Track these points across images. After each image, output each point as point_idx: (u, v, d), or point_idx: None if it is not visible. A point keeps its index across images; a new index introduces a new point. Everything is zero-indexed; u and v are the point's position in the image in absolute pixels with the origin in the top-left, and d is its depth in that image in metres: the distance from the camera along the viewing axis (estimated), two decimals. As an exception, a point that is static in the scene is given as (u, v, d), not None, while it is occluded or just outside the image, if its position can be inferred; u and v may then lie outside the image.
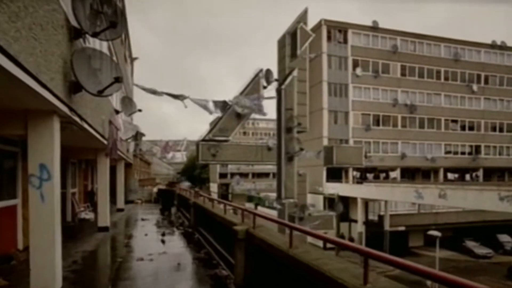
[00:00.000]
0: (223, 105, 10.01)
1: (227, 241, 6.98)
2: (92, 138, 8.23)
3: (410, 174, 44.08)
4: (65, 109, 5.04)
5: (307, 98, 27.79)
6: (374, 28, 40.98)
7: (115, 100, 11.72)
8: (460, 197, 21.57)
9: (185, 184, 21.17)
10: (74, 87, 5.09)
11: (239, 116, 13.18)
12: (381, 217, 35.42)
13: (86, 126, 6.73)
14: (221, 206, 9.62)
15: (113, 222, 14.04)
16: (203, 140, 13.77)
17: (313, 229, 4.72)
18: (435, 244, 37.59)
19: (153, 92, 8.54)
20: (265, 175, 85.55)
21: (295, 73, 14.00)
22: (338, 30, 39.82)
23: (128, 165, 23.38)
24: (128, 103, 11.49)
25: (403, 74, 42.00)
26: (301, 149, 14.09)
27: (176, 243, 10.02)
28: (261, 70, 13.91)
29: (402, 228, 36.30)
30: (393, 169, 42.36)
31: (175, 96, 8.94)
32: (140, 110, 11.56)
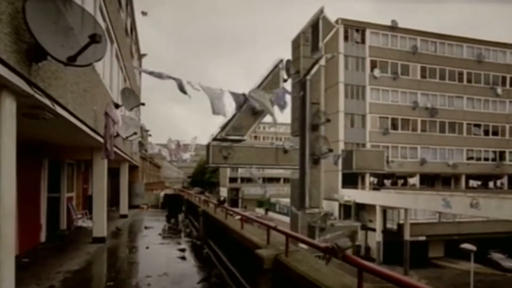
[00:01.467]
0: (240, 99, 8.46)
1: (246, 264, 5.39)
2: (79, 132, 6.73)
3: (430, 180, 41.98)
4: (20, 82, 3.52)
5: (322, 100, 26.27)
6: (393, 27, 39.20)
7: (115, 91, 10.24)
8: (495, 206, 19.58)
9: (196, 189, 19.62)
10: (36, 53, 3.57)
11: (256, 113, 11.59)
12: (400, 226, 33.41)
13: (65, 114, 5.22)
14: (237, 217, 8.04)
15: (112, 231, 12.55)
16: (215, 139, 12.20)
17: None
18: (456, 255, 35.57)
19: (159, 76, 7.07)
20: (276, 180, 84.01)
21: (322, 62, 12.39)
22: (356, 30, 38.15)
23: (133, 168, 22.00)
24: (129, 96, 10.03)
25: (423, 76, 40.08)
26: (330, 150, 12.41)
27: (181, 260, 8.44)
28: (281, 61, 12.33)
29: (423, 238, 34.23)
30: (412, 175, 40.30)
31: (181, 88, 7.42)
32: (143, 104, 10.09)
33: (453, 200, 22.38)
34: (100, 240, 9.97)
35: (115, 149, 11.38)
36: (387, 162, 24.49)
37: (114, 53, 10.29)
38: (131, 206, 21.13)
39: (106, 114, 7.35)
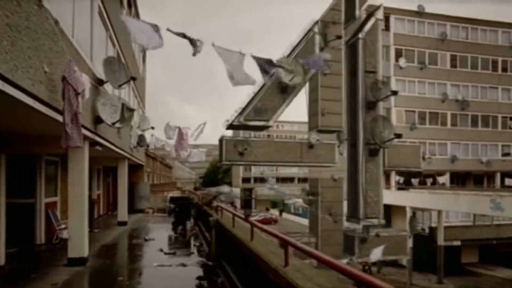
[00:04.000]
0: (266, 67, 5.91)
1: None
2: (22, 109, 4.16)
3: (460, 179, 38.66)
4: None
5: (342, 93, 23.28)
6: (420, 13, 35.99)
7: (97, 59, 7.60)
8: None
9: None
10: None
11: (284, 90, 8.83)
12: (432, 230, 30.30)
13: None
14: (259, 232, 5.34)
15: (102, 245, 10.02)
16: (231, 126, 9.36)
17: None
18: (492, 261, 32.37)
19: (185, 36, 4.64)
20: (290, 179, 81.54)
21: (379, 15, 9.58)
22: (379, 16, 35.03)
23: (136, 167, 19.55)
24: (117, 69, 7.47)
25: (453, 65, 36.77)
26: (397, 136, 9.51)
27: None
28: (316, 23, 9.58)
29: (458, 243, 31.08)
30: (441, 173, 37.01)
31: (192, 42, 4.93)
32: (134, 78, 7.51)
33: (504, 201, 19.25)
34: (79, 262, 7.40)
35: (103, 141, 8.81)
36: (423, 158, 21.43)
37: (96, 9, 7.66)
38: (135, 210, 18.66)
39: (64, 79, 4.74)
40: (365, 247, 11.29)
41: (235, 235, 5.78)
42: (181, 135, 8.56)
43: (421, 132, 35.55)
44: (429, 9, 36.51)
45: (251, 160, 15.19)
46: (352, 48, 10.33)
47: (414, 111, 35.79)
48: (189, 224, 13.93)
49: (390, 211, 33.06)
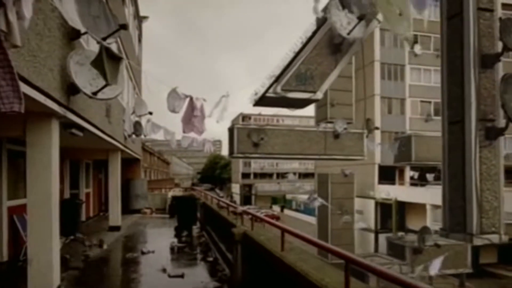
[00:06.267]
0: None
1: None
2: None
3: (476, 174, 36.41)
4: None
5: (352, 83, 20.84)
6: (436, -4, 33.52)
7: None
8: None
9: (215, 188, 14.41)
10: None
11: (338, 49, 6.37)
12: (452, 229, 28.07)
13: None
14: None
15: (86, 262, 7.62)
16: (262, 99, 6.72)
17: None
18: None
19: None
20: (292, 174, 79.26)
21: None
22: (392, -1, 32.56)
23: (133, 161, 17.08)
24: (99, 13, 5.06)
25: (471, 53, 34.33)
26: None
27: None
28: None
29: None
30: (457, 168, 34.74)
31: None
32: (124, 27, 5.08)
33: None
34: (43, 297, 4.99)
35: (83, 123, 6.36)
36: None
37: None
38: (130, 211, 16.24)
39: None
40: (420, 259, 9.00)
41: (290, 266, 3.38)
42: (192, 109, 6.18)
43: (437, 124, 33.18)
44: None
45: (267, 153, 12.77)
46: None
47: (430, 102, 33.44)
48: (196, 229, 11.57)
49: (404, 208, 30.93)
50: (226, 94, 6.59)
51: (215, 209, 9.45)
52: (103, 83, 4.85)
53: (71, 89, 5.04)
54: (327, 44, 6.12)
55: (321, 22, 6.78)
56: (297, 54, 6.09)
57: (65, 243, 9.54)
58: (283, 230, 4.09)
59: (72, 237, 10.19)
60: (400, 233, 9.42)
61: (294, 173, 76.28)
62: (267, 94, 6.29)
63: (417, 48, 32.69)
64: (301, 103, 7.01)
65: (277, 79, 6.29)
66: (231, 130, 12.15)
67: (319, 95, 6.38)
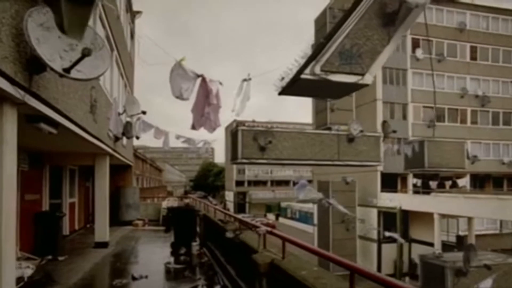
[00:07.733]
0: None
1: None
2: None
3: (479, 181, 35.52)
4: None
5: None
6: (438, 0, 32.79)
7: None
8: None
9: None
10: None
11: (392, 20, 4.94)
12: (460, 239, 26.90)
13: None
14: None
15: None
16: (293, 83, 5.22)
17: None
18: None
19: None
20: (285, 183, 78.38)
21: None
22: (394, 2, 31.70)
23: (123, 168, 15.55)
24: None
25: (473, 58, 33.64)
26: None
27: None
28: None
29: (486, 253, 27.70)
30: (459, 175, 33.73)
31: None
32: None
33: None
34: None
35: (54, 114, 4.88)
36: (468, 157, 17.59)
37: None
38: (121, 223, 14.67)
39: None
40: (462, 283, 7.60)
41: None
42: (207, 94, 4.76)
43: (440, 130, 31.80)
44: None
45: (275, 158, 11.36)
46: None
47: (432, 107, 32.53)
48: (195, 246, 10.05)
49: (408, 217, 29.73)
50: (247, 76, 5.20)
51: (221, 226, 7.97)
52: (79, 55, 3.43)
53: (34, 65, 3.60)
54: (378, 13, 4.81)
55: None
56: (340, 25, 4.73)
57: (40, 264, 7.99)
58: (353, 270, 2.66)
59: (49, 257, 8.64)
60: (437, 251, 8.17)
61: (271, 181, 75.61)
62: (302, 76, 4.91)
63: (419, 52, 31.87)
64: (343, 90, 5.59)
65: (315, 56, 4.91)
66: (234, 133, 10.65)
67: (368, 78, 5.01)
